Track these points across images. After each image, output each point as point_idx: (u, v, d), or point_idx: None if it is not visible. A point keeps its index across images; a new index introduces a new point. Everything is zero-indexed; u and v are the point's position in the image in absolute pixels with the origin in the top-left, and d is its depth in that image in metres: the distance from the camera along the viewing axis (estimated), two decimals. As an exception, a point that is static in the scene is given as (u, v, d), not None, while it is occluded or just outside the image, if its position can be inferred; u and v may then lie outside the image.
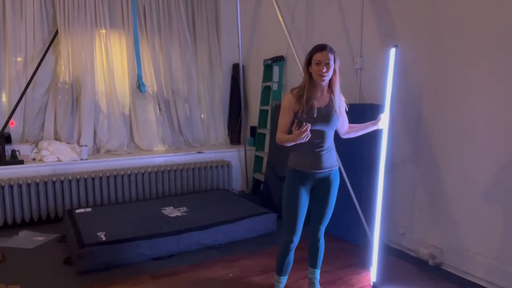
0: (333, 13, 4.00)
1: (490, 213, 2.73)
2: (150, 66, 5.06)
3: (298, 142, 2.14)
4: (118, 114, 4.88)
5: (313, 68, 2.22)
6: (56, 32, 4.52)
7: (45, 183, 3.96)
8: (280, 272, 2.50)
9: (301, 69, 2.30)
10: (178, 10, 5.19)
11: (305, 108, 2.23)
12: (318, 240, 2.51)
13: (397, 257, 3.24)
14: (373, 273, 2.76)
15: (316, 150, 2.30)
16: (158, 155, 4.75)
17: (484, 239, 2.77)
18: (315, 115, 2.24)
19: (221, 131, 5.61)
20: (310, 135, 2.09)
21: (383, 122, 2.56)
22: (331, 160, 2.36)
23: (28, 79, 4.32)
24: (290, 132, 2.24)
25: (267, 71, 5.10)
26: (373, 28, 3.56)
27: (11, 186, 3.81)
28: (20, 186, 3.85)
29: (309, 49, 2.26)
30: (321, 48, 2.22)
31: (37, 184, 3.92)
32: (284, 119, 2.30)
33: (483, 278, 2.77)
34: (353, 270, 3.02)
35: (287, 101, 2.30)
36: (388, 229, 3.49)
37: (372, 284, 2.76)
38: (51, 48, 4.50)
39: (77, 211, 3.77)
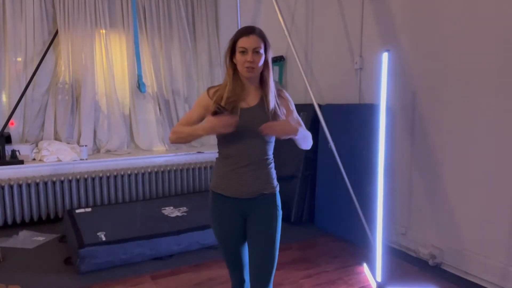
0: (333, 13, 3.99)
1: (490, 213, 2.72)
2: (150, 66, 5.06)
3: (211, 133, 1.64)
4: (118, 114, 4.87)
5: (238, 58, 1.67)
6: (56, 32, 4.51)
7: (45, 183, 3.96)
8: None
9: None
10: (178, 10, 5.18)
11: None
12: None
13: (397, 257, 3.24)
14: (378, 273, 2.77)
15: (242, 166, 1.69)
16: (158, 155, 4.74)
17: (484, 239, 2.77)
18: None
19: (221, 131, 5.60)
20: (234, 128, 1.60)
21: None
22: (265, 180, 1.73)
23: (28, 79, 4.32)
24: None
25: (267, 71, 5.09)
26: (373, 28, 3.56)
27: (11, 186, 3.81)
28: (20, 186, 3.85)
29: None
30: (247, 31, 1.68)
31: (37, 184, 3.92)
32: (190, 113, 1.79)
33: (483, 278, 2.77)
34: (353, 270, 3.01)
35: (201, 99, 1.76)
36: (388, 229, 3.49)
37: (376, 283, 2.77)
38: (51, 48, 4.50)
39: (77, 211, 3.77)
